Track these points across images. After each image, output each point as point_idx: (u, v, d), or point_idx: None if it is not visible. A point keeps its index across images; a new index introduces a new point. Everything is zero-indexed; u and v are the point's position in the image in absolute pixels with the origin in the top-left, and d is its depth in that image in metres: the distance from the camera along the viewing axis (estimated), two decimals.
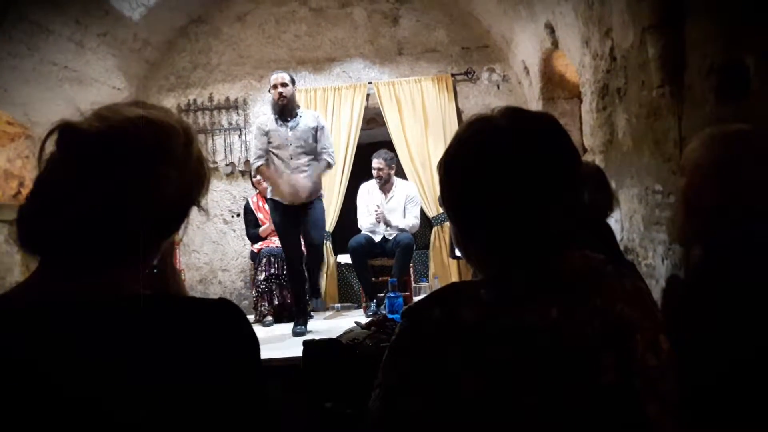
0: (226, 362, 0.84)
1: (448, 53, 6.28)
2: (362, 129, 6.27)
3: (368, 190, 5.69)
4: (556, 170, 0.98)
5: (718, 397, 1.28)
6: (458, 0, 6.06)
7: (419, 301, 1.05)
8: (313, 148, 4.50)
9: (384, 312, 4.49)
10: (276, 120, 4.48)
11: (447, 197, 1.05)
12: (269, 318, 5.13)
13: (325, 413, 2.82)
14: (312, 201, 4.49)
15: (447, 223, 5.82)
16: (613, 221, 3.47)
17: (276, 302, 5.19)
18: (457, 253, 2.55)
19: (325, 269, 5.86)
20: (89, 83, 5.39)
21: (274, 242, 5.09)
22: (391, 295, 4.43)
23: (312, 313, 5.09)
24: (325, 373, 3.04)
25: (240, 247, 6.27)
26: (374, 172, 5.58)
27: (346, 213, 6.14)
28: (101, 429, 0.76)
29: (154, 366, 0.79)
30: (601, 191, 2.37)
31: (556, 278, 0.97)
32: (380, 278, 5.41)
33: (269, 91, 4.52)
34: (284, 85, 4.42)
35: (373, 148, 5.83)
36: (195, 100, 6.35)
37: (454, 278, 5.94)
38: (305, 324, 4.53)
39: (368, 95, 6.22)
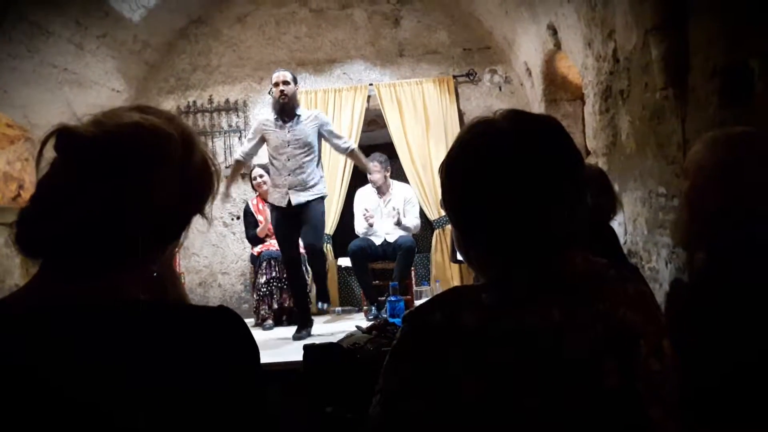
0: (225, 370, 0.84)
1: (449, 55, 6.28)
2: (363, 131, 6.27)
3: (365, 195, 5.69)
4: (558, 173, 0.98)
5: (721, 401, 1.28)
6: (460, 1, 6.06)
7: (420, 305, 1.04)
8: (312, 148, 4.49)
9: (385, 316, 4.48)
10: (276, 121, 4.48)
11: (449, 200, 1.05)
12: (269, 321, 5.13)
13: (325, 418, 2.81)
14: (312, 202, 4.48)
15: (448, 227, 5.81)
16: (617, 224, 3.46)
17: (276, 306, 5.19)
18: (459, 256, 2.54)
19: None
20: (89, 85, 5.39)
21: (275, 245, 5.07)
22: (393, 298, 4.42)
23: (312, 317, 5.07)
24: (326, 377, 3.03)
25: (240, 250, 6.26)
26: (370, 176, 5.57)
27: (346, 216, 6.13)
28: None
29: (153, 372, 0.79)
30: (604, 194, 2.37)
31: (559, 282, 0.96)
32: (380, 282, 5.40)
33: (270, 91, 4.53)
34: (286, 83, 4.41)
35: (375, 150, 5.82)
36: (195, 102, 6.35)
37: (456, 282, 5.94)
38: (308, 331, 4.54)
39: (369, 97, 6.23)
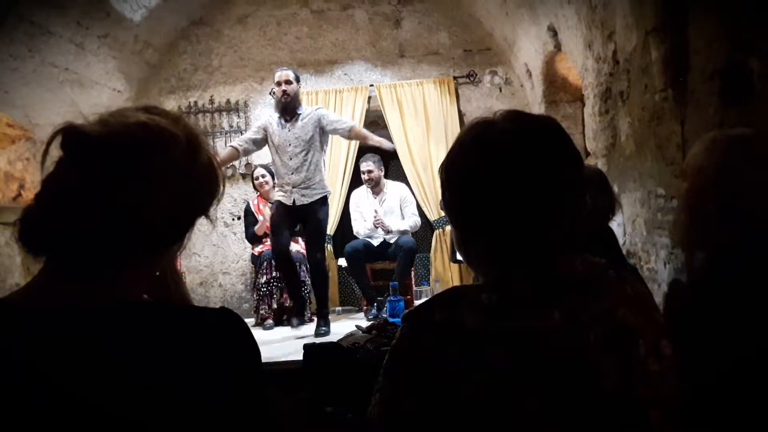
0: (226, 371, 0.84)
1: (450, 56, 6.28)
2: None
3: (360, 196, 5.69)
4: (557, 174, 0.98)
5: (720, 401, 1.27)
6: (460, 2, 6.06)
7: (420, 305, 1.05)
8: (314, 146, 4.48)
9: (385, 316, 4.48)
10: (278, 120, 4.48)
11: (448, 200, 1.05)
12: (270, 321, 5.13)
13: (325, 417, 2.81)
14: (317, 203, 4.49)
15: (448, 227, 5.81)
16: (616, 225, 3.46)
17: (276, 305, 5.19)
18: (459, 256, 2.54)
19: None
20: (90, 85, 5.39)
21: None
22: (393, 298, 4.42)
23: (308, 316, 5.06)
24: (326, 377, 3.04)
25: (241, 250, 6.26)
26: (364, 176, 5.57)
27: (347, 216, 6.13)
28: None
29: (154, 372, 0.79)
30: (602, 195, 2.36)
31: (558, 282, 0.96)
32: (381, 282, 5.40)
33: (271, 91, 4.52)
34: (288, 82, 4.42)
35: (376, 151, 5.81)
36: (196, 103, 6.35)
37: (455, 282, 5.94)
38: (302, 319, 4.56)
39: (370, 98, 6.22)
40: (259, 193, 5.52)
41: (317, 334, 4.37)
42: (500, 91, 6.23)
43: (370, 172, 5.52)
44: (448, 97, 6.13)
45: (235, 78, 6.37)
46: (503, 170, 0.97)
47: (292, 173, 4.43)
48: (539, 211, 0.97)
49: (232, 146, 4.54)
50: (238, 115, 6.34)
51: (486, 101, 6.21)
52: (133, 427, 0.76)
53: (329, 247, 6.07)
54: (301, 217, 4.52)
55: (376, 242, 5.48)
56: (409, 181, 6.08)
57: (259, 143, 4.58)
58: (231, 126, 6.34)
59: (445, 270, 6.09)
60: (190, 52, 6.38)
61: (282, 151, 4.46)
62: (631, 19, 3.08)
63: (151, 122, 0.87)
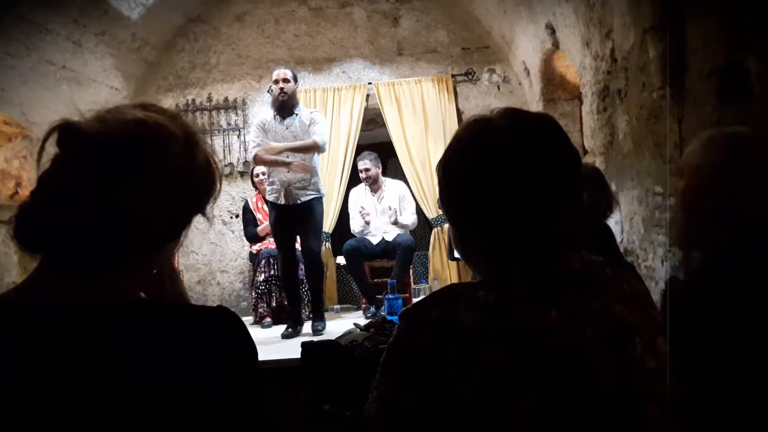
0: (223, 369, 0.84)
1: (448, 54, 6.27)
2: (362, 130, 6.26)
3: (359, 194, 5.69)
4: (555, 172, 0.98)
5: (717, 399, 1.28)
6: (459, 0, 6.06)
7: (417, 302, 1.04)
8: None
9: (383, 314, 4.48)
10: (274, 117, 4.48)
11: (446, 198, 1.05)
12: (268, 319, 5.13)
13: (323, 415, 2.81)
14: (311, 202, 4.48)
15: (446, 225, 5.81)
16: (613, 223, 3.47)
17: (275, 304, 5.19)
18: (456, 254, 2.54)
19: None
20: (87, 83, 5.38)
21: (273, 243, 5.07)
22: (391, 296, 4.42)
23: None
24: (324, 375, 3.04)
25: (239, 248, 6.25)
26: (362, 174, 5.57)
27: (345, 214, 6.13)
28: None
29: (151, 371, 0.79)
30: (600, 192, 2.37)
31: (555, 280, 0.97)
32: (379, 280, 5.40)
33: (269, 89, 4.51)
34: (286, 81, 4.42)
35: (373, 148, 5.82)
36: (194, 100, 6.34)
37: (453, 280, 5.93)
38: (297, 330, 4.53)
39: (368, 96, 6.21)
40: (258, 191, 5.51)
41: (314, 332, 4.38)
42: (498, 89, 6.23)
43: (367, 170, 5.52)
44: (447, 95, 6.13)
45: (233, 76, 6.36)
46: (500, 168, 0.96)
47: (287, 171, 4.42)
48: (536, 208, 0.97)
49: (257, 150, 4.39)
50: (236, 113, 6.33)
51: (484, 99, 6.21)
52: (130, 426, 0.76)
53: (327, 245, 6.06)
54: (297, 216, 4.51)
55: (375, 240, 5.48)
56: (408, 179, 6.07)
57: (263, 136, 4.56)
58: (229, 124, 6.33)
59: (443, 268, 6.09)
60: (188, 50, 6.37)
61: None
62: (629, 18, 3.08)
63: (148, 119, 0.87)
